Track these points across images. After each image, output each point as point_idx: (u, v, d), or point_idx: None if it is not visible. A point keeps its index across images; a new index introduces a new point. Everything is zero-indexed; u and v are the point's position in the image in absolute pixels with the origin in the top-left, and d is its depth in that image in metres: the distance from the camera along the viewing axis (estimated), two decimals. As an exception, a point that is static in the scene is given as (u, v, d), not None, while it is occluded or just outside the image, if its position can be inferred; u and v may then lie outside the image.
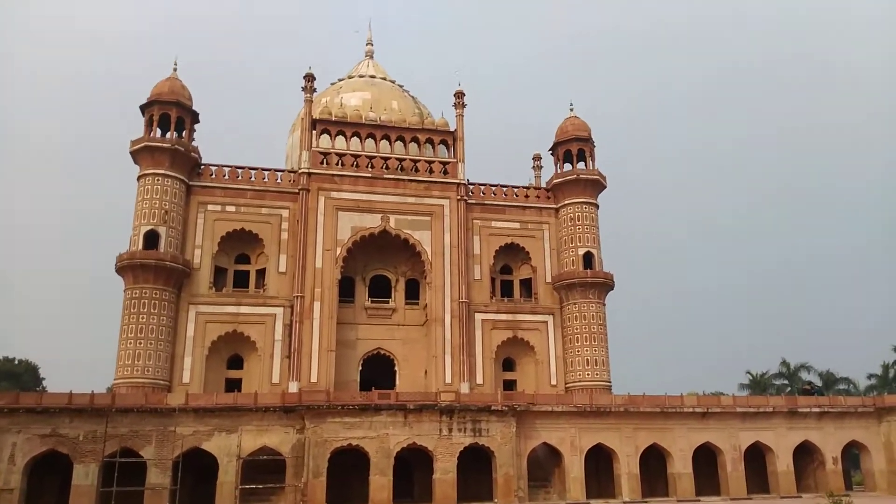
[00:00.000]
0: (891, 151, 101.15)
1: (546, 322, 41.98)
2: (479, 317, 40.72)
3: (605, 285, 41.91)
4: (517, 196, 44.18)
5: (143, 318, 35.47)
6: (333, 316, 38.35)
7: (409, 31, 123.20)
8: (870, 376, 55.75)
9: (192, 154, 39.12)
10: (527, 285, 43.61)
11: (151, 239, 36.95)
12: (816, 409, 35.99)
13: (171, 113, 39.24)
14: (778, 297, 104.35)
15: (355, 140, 41.97)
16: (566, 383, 40.52)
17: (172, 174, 38.07)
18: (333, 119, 42.04)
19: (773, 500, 33.00)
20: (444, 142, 43.43)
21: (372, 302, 41.24)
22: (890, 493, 34.74)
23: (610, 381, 40.43)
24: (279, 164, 46.84)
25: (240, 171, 40.43)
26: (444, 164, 42.59)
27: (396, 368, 40.26)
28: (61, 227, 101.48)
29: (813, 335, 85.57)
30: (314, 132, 41.50)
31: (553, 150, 45.62)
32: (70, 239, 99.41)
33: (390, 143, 42.44)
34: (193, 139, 40.28)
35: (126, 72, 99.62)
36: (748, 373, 60.80)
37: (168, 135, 39.25)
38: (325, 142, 41.65)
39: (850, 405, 37.01)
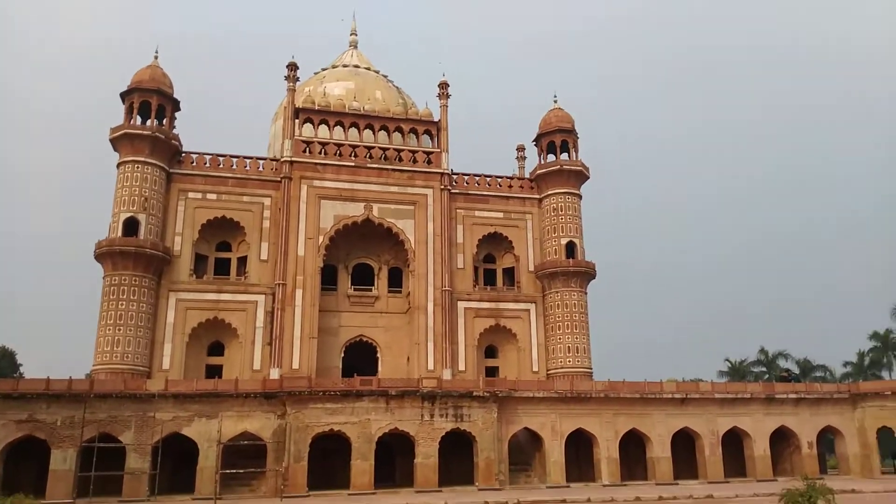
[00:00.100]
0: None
1: (528, 310, 42.27)
2: (461, 305, 40.90)
3: (586, 274, 42.27)
4: (501, 186, 44.42)
5: (122, 304, 35.27)
6: (316, 303, 38.34)
7: (393, 23, 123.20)
8: (845, 364, 56.94)
9: (173, 142, 38.88)
10: (509, 274, 43.86)
11: (131, 226, 36.72)
12: (793, 396, 36.63)
13: (151, 101, 38.95)
14: (758, 284, 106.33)
15: (339, 129, 41.90)
16: (548, 370, 40.86)
17: (152, 161, 37.83)
18: (317, 108, 41.93)
19: (750, 483, 33.53)
20: (427, 132, 43.46)
21: (355, 290, 41.26)
22: (863, 475, 35.51)
23: (591, 368, 40.83)
24: (261, 152, 46.63)
25: (221, 158, 40.27)
26: (428, 153, 42.63)
27: (379, 355, 40.34)
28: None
29: (793, 322, 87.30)
30: (297, 121, 41.36)
31: (537, 140, 45.85)
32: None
33: (374, 133, 42.41)
34: (174, 127, 40.05)
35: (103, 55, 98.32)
36: (727, 360, 61.83)
37: (148, 122, 38.96)
38: (308, 131, 41.52)
39: (825, 392, 37.74)
